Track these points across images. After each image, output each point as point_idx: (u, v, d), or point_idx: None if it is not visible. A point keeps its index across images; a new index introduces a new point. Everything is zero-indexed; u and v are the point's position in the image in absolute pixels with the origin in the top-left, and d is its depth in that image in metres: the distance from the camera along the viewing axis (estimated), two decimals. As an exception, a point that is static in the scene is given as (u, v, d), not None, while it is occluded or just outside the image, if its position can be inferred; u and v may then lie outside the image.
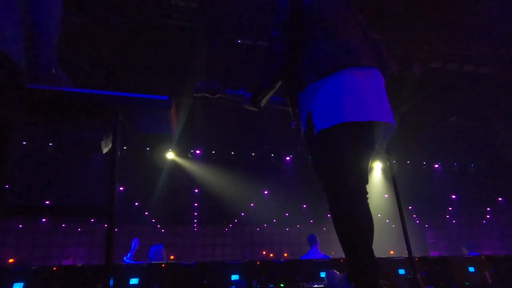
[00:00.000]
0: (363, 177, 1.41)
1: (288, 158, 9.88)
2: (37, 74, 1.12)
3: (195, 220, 16.26)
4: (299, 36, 1.47)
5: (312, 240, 4.96)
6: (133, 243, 4.88)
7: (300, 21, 1.48)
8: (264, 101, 1.62)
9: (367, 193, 1.40)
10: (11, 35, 0.91)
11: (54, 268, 2.29)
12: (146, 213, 13.98)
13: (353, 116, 1.29)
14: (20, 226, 14.17)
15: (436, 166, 10.83)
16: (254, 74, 1.63)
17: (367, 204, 1.36)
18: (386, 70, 1.54)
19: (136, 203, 12.67)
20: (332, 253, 14.47)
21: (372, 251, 1.30)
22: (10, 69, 0.90)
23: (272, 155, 9.73)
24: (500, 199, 13.89)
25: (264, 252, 18.11)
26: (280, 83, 1.56)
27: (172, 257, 15.48)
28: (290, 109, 1.65)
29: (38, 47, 1.08)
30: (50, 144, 7.78)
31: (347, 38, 1.42)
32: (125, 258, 4.74)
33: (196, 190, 11.98)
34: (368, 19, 1.65)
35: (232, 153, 9.47)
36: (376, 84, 1.39)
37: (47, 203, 10.00)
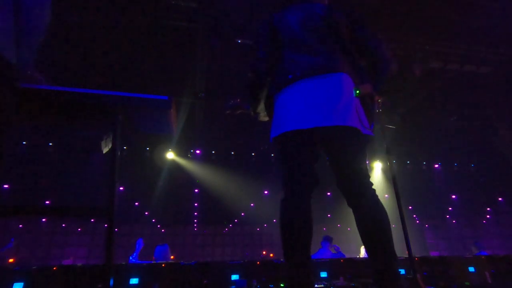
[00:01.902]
0: (308, 180, 1.48)
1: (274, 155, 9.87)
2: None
3: (195, 220, 16.24)
4: (274, 53, 1.63)
5: (325, 239, 5.16)
6: (137, 244, 4.93)
7: (276, 40, 1.64)
8: (260, 110, 1.79)
9: (309, 195, 1.47)
10: (4, 36, 0.91)
11: (54, 268, 2.29)
12: (146, 213, 13.96)
13: (292, 125, 1.42)
14: (20, 226, 14.16)
15: (436, 166, 10.82)
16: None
17: (304, 208, 1.43)
18: (383, 70, 1.60)
19: (136, 203, 12.65)
20: (332, 253, 14.46)
21: (302, 254, 1.36)
22: (4, 70, 0.90)
23: (272, 155, 9.72)
24: (500, 199, 13.88)
25: (264, 252, 18.09)
26: (263, 95, 1.69)
27: (172, 257, 15.46)
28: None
29: (19, 51, 1.07)
30: (50, 144, 7.78)
31: (305, 51, 1.54)
32: (130, 258, 4.77)
33: (196, 190, 11.97)
34: (359, 20, 1.67)
35: (232, 153, 9.46)
36: (328, 90, 1.45)
37: (47, 203, 9.99)
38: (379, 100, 1.61)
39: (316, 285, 2.47)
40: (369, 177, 1.47)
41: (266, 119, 1.83)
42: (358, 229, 1.44)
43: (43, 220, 14.41)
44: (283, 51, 1.60)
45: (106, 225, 1.08)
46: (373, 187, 1.47)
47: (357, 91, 1.48)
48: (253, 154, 9.54)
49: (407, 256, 1.98)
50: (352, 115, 1.43)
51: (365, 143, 1.50)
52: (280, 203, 1.47)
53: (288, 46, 1.59)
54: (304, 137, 1.43)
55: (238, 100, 1.87)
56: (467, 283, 2.73)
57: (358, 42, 1.62)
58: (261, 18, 4.56)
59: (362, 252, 5.49)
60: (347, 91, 1.46)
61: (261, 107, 1.75)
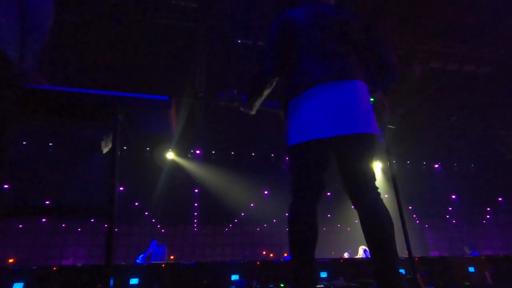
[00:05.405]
0: (319, 188, 1.55)
1: (288, 158, 9.87)
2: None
3: (195, 220, 16.25)
4: (290, 54, 1.59)
5: None
6: (151, 245, 4.81)
7: (291, 40, 1.59)
8: (256, 105, 1.80)
9: (318, 201, 1.56)
10: (8, 34, 0.91)
11: (54, 268, 2.29)
12: (146, 213, 13.97)
13: (315, 134, 1.44)
14: (20, 226, 14.17)
15: (436, 166, 10.83)
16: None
17: (312, 214, 1.53)
18: (390, 77, 1.64)
19: (136, 203, 12.66)
20: (332, 253, 14.47)
21: (308, 259, 1.43)
22: (6, 68, 0.90)
23: (272, 155, 9.72)
24: (500, 199, 13.89)
25: (264, 252, 18.10)
26: (267, 92, 1.71)
27: (172, 257, 15.46)
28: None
29: (23, 52, 1.07)
30: (50, 144, 7.78)
31: (324, 56, 1.52)
32: (137, 260, 4.73)
33: (196, 190, 11.98)
34: (375, 26, 1.69)
35: (232, 153, 9.46)
36: (346, 97, 1.46)
37: (47, 203, 9.99)
38: (387, 104, 1.65)
39: (316, 285, 2.46)
40: (375, 178, 1.51)
41: (253, 113, 1.86)
42: (362, 229, 1.47)
43: (43, 220, 14.41)
44: (299, 53, 1.56)
45: (106, 225, 1.08)
46: (378, 190, 1.51)
47: (372, 100, 1.54)
48: (253, 154, 9.54)
49: (407, 256, 1.98)
50: (373, 122, 1.49)
51: (376, 147, 1.56)
52: (289, 206, 1.53)
53: (305, 48, 1.56)
54: (323, 146, 1.47)
55: (235, 91, 1.86)
56: (467, 283, 2.73)
57: (369, 45, 1.65)
58: (264, 17, 4.56)
59: (360, 252, 5.48)
60: (364, 98, 1.50)
61: (258, 102, 1.78)
